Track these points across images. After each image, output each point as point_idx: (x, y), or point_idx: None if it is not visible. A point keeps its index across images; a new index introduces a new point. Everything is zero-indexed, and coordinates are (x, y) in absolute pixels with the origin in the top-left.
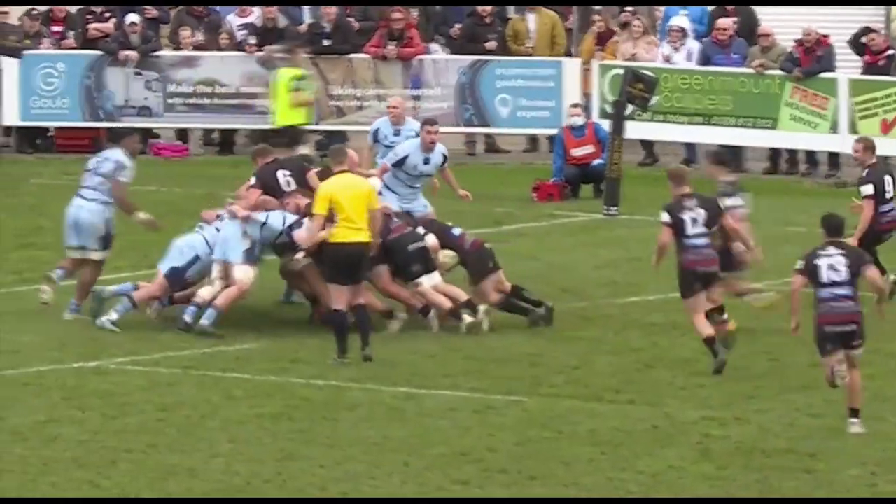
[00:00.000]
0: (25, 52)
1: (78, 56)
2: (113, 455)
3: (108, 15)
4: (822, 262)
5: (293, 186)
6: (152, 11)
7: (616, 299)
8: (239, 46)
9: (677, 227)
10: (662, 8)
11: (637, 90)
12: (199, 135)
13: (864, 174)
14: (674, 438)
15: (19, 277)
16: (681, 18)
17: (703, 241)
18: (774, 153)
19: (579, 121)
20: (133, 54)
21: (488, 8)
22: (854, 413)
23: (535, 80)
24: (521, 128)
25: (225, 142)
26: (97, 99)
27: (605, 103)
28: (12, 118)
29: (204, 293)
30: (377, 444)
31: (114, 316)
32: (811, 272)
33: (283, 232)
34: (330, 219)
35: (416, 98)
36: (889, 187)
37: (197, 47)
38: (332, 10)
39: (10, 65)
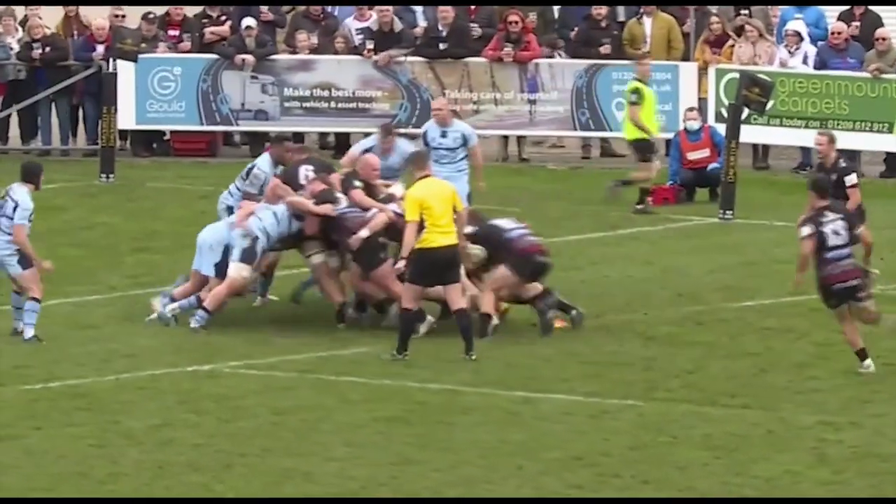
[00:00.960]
0: (141, 56)
1: (194, 59)
2: (227, 459)
3: (224, 18)
4: (827, 229)
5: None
6: (269, 15)
7: (731, 303)
8: (355, 50)
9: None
10: (778, 12)
11: (753, 94)
12: (314, 138)
13: (844, 164)
14: (789, 443)
15: (134, 281)
16: (797, 23)
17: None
18: (891, 157)
19: (695, 125)
20: (249, 58)
21: (603, 11)
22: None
23: (651, 83)
24: None
25: (341, 145)
26: (213, 102)
27: (722, 107)
28: (128, 122)
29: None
30: (492, 447)
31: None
32: (819, 239)
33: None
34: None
35: (533, 102)
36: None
37: (312, 51)
38: (449, 14)
39: (127, 68)
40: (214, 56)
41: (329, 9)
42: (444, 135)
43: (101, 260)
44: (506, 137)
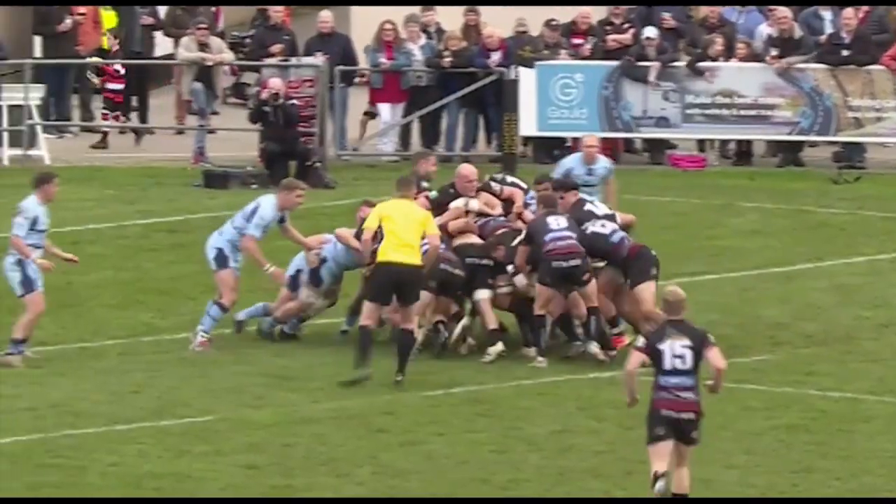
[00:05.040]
0: (542, 63)
1: (596, 67)
2: (628, 466)
3: (627, 26)
4: None
5: None
6: (670, 21)
7: None
8: (756, 57)
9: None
10: None
11: None
12: (716, 145)
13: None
14: None
15: None
16: None
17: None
18: None
19: None
20: (655, 63)
21: None
22: None
23: None
24: None
25: (742, 153)
26: (615, 109)
27: None
28: (530, 128)
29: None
30: (894, 456)
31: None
32: None
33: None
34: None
35: None
36: None
37: (713, 58)
38: (852, 21)
39: (528, 75)
40: (616, 63)
41: (727, 16)
42: (589, 172)
43: None
44: None
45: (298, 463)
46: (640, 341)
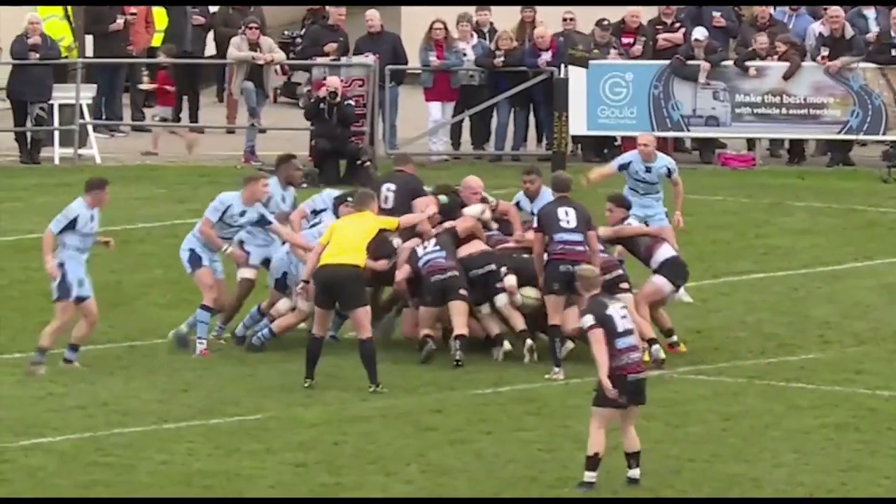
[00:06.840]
0: (591, 62)
1: (646, 66)
2: (676, 464)
3: (677, 25)
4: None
5: (390, 203)
6: (720, 21)
7: None
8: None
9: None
10: None
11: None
12: (765, 145)
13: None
14: None
15: None
16: None
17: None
18: None
19: None
20: (704, 65)
21: None
22: None
23: None
24: None
25: (792, 152)
26: (664, 108)
27: None
28: (579, 128)
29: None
30: None
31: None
32: None
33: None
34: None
35: None
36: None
37: (764, 57)
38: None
39: (578, 74)
40: (666, 62)
41: (775, 14)
42: (648, 170)
43: None
44: None
45: (347, 461)
46: (589, 320)
